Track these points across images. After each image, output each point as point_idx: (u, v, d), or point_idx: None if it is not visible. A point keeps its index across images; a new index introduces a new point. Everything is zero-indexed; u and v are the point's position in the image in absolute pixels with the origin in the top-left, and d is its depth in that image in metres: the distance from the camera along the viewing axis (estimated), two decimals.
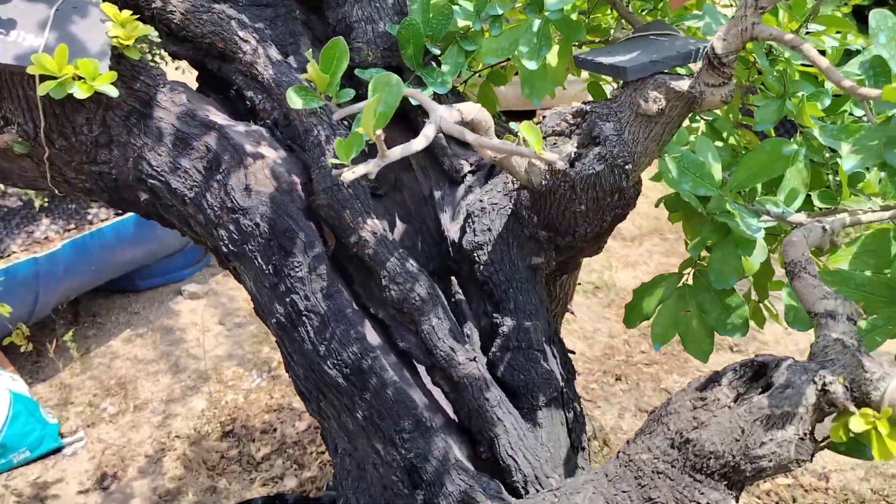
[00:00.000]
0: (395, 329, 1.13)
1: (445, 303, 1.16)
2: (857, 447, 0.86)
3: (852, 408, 0.82)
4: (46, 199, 4.14)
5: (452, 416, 1.16)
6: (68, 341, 4.08)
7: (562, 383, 1.27)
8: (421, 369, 1.23)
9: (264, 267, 1.07)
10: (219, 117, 1.21)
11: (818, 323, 0.89)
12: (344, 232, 1.10)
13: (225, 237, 1.10)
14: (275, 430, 3.59)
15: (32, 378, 3.96)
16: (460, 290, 1.26)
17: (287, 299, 1.07)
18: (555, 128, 1.13)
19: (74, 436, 3.56)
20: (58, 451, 3.41)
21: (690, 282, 1.28)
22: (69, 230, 4.06)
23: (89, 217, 4.25)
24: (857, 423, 0.82)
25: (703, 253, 1.32)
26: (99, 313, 4.60)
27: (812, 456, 0.86)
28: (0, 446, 3.26)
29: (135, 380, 4.02)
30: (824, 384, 0.83)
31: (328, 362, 1.07)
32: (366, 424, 1.07)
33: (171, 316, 4.61)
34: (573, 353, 1.72)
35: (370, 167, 0.88)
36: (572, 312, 1.65)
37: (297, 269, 1.06)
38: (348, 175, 0.87)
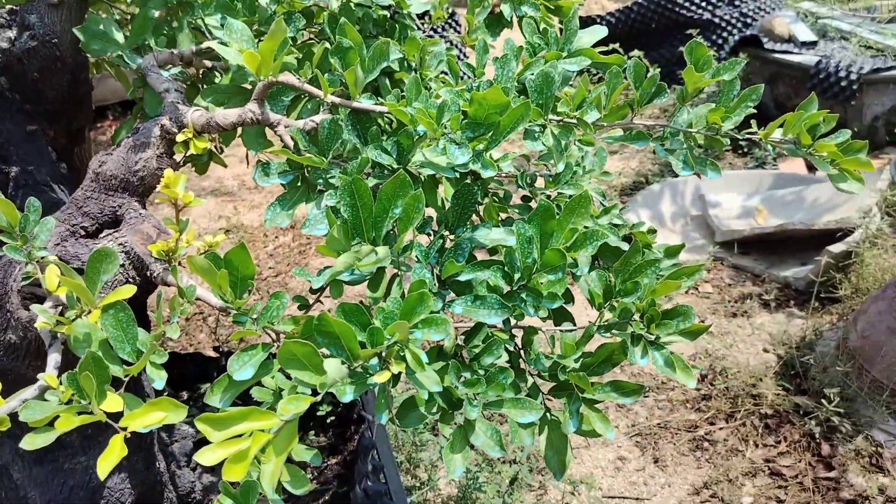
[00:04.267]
0: None
1: None
2: (198, 156, 1.56)
3: (176, 130, 1.52)
4: None
5: None
6: None
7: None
8: None
9: None
10: None
11: (164, 99, 1.57)
12: None
13: None
14: None
15: None
16: None
17: None
18: None
19: None
20: None
21: None
22: None
23: None
24: (182, 136, 1.51)
25: None
26: None
27: (168, 168, 1.55)
28: None
29: None
30: (161, 124, 1.51)
31: None
32: None
33: None
34: None
35: None
36: None
37: None
38: None
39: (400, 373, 1.12)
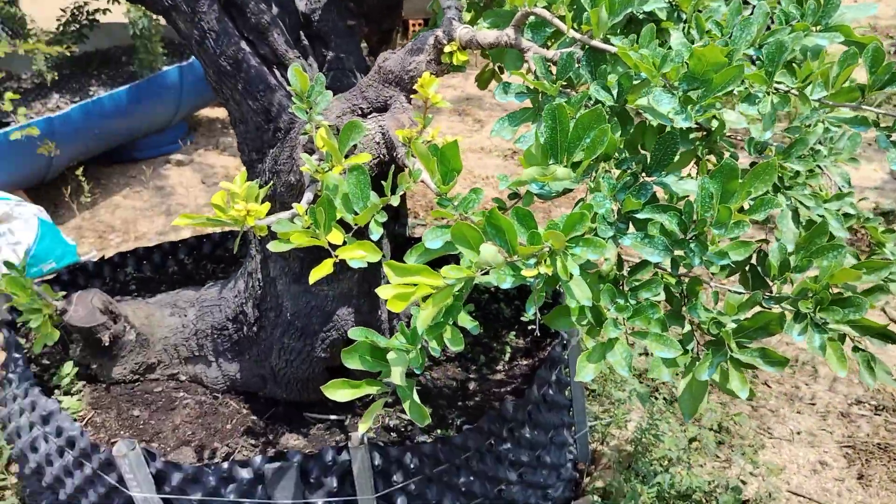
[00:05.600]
0: (257, 43, 2.11)
1: (283, 27, 2.13)
2: (459, 67, 1.84)
3: (447, 41, 1.80)
4: (56, 75, 5.07)
5: None
6: (81, 194, 5.06)
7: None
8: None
9: (185, 7, 2.04)
10: None
11: (445, 15, 1.86)
12: None
13: None
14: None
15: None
16: (306, 39, 2.24)
17: (198, 24, 2.04)
18: None
19: (89, 254, 4.58)
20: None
21: None
22: (75, 101, 5.01)
23: (90, 92, 5.20)
24: (449, 48, 1.80)
25: None
26: (102, 177, 5.58)
27: (427, 73, 1.84)
28: (32, 257, 4.23)
29: (134, 220, 5.03)
30: (436, 35, 1.81)
31: (222, 58, 2.04)
32: (243, 92, 2.05)
33: (162, 178, 5.59)
34: None
35: None
36: None
37: (202, 6, 2.02)
38: None
39: (548, 274, 1.32)
